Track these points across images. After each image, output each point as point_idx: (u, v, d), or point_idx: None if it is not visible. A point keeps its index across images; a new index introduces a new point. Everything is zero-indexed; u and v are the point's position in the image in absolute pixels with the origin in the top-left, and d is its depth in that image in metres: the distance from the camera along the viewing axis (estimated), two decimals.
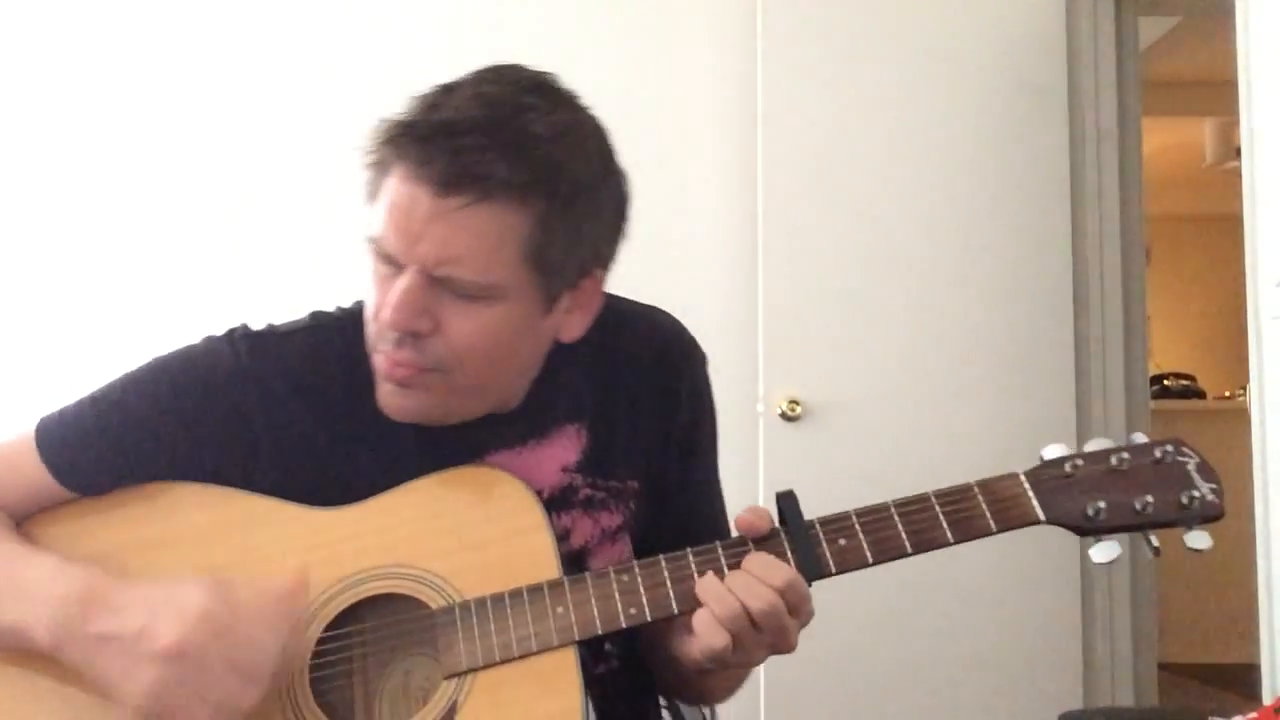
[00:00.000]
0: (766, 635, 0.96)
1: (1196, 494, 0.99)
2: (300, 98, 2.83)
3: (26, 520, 1.06)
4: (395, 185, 0.96)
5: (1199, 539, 0.98)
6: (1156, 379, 5.02)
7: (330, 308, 1.14)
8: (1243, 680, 2.88)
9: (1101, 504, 0.99)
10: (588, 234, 1.00)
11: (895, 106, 2.79)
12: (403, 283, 0.96)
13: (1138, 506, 0.99)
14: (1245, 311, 2.06)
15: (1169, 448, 1.01)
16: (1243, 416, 2.13)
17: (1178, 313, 6.35)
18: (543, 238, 0.97)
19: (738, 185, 2.85)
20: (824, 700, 2.65)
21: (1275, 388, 1.98)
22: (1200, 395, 5.41)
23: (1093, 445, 1.03)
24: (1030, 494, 1.01)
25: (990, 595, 2.68)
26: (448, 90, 0.99)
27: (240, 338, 1.09)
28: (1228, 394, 5.45)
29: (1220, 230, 3.70)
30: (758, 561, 0.98)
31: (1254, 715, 1.21)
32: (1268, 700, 1.79)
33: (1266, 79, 2.02)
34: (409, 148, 0.95)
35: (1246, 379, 2.11)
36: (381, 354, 1.01)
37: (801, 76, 2.77)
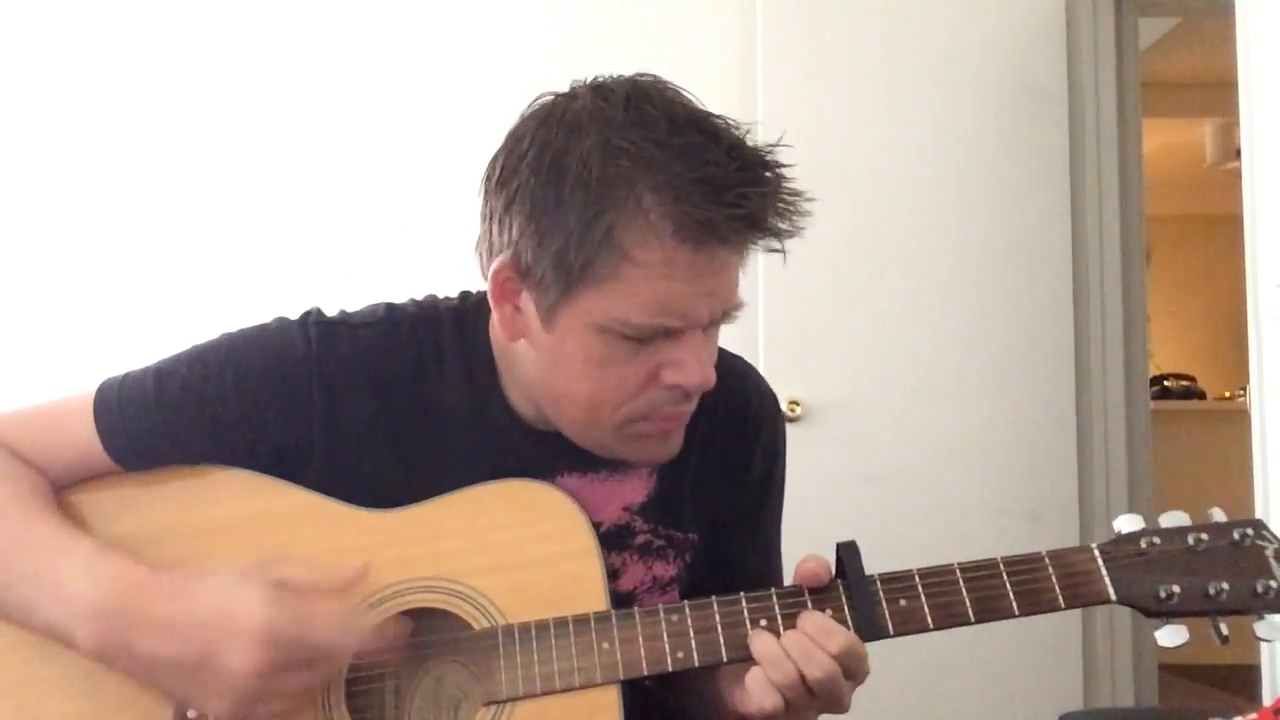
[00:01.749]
0: (820, 700, 0.94)
1: (1273, 584, 0.96)
2: (307, 94, 2.83)
3: (69, 488, 1.04)
4: (686, 259, 0.92)
5: (1269, 629, 0.96)
6: (1156, 379, 5.02)
7: (403, 300, 1.11)
8: (1243, 681, 2.88)
9: (1175, 588, 0.96)
10: None
11: (895, 107, 2.79)
12: (711, 338, 0.99)
13: (1211, 592, 0.96)
14: (1245, 312, 2.06)
15: (1249, 530, 0.98)
16: (1243, 417, 2.13)
17: (1178, 313, 6.35)
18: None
19: None
20: None
21: (1275, 388, 1.97)
22: (1200, 396, 5.41)
23: (1169, 520, 1.00)
24: (1103, 571, 0.97)
25: None
26: (710, 136, 0.95)
27: (314, 324, 1.06)
28: (1228, 394, 5.45)
29: (1220, 231, 3.70)
30: (814, 623, 0.95)
31: (1254, 716, 1.21)
32: (1267, 701, 1.79)
33: (1266, 80, 2.02)
34: (749, 232, 0.95)
35: (1246, 379, 2.11)
36: (660, 417, 1.00)
37: (801, 76, 2.76)
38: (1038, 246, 2.82)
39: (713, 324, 0.98)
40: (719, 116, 0.96)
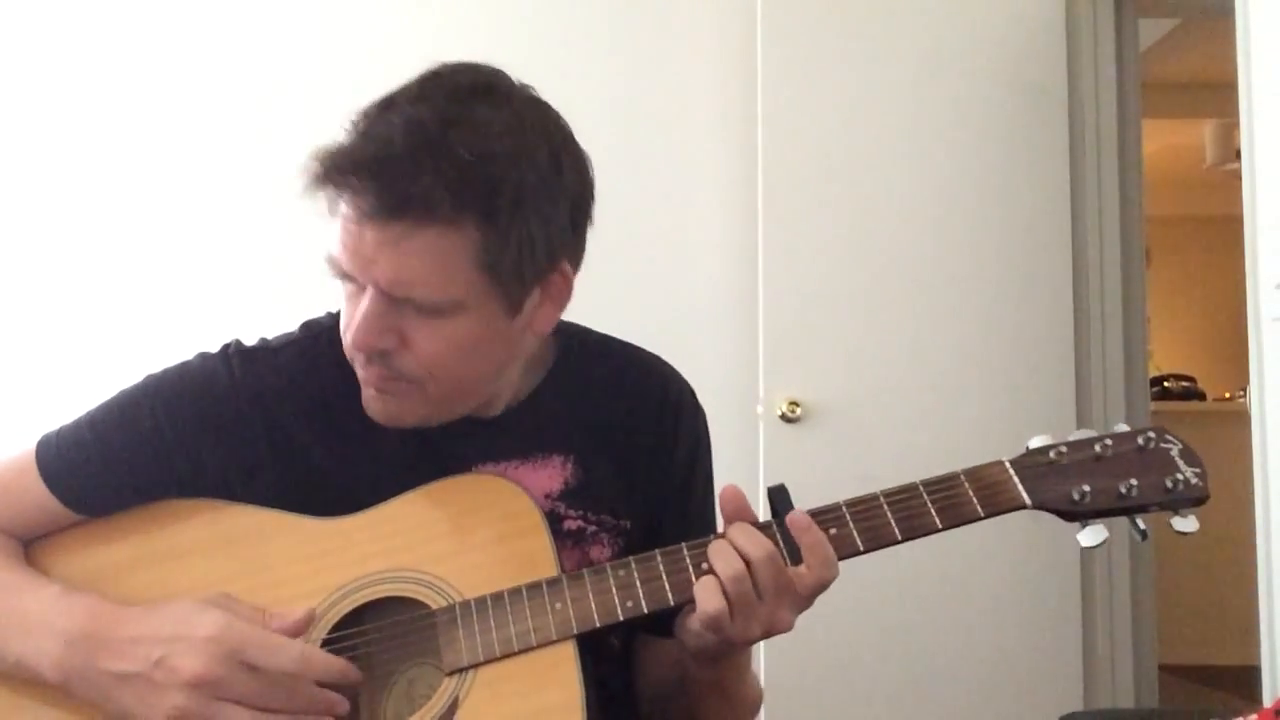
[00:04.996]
0: (766, 601, 0.97)
1: (1180, 477, 1.01)
2: (298, 97, 2.83)
3: (35, 541, 1.07)
4: (341, 212, 0.96)
5: (1185, 523, 1.01)
6: (1156, 380, 5.02)
7: (320, 314, 1.15)
8: (1243, 681, 2.88)
9: (1086, 488, 1.01)
10: (542, 233, 0.99)
11: (895, 107, 2.79)
12: (364, 305, 0.98)
13: (1123, 490, 1.01)
14: (1245, 312, 2.06)
15: (1151, 434, 1.04)
16: (1243, 418, 2.13)
17: (1178, 313, 6.35)
18: (493, 249, 0.97)
19: (738, 185, 2.85)
20: (824, 701, 2.65)
21: (1275, 389, 1.97)
22: (1200, 396, 5.41)
23: (1076, 435, 1.06)
24: (1015, 479, 1.04)
25: (991, 596, 2.68)
26: (384, 107, 0.98)
27: (234, 354, 1.11)
28: (1228, 395, 5.45)
29: (1220, 231, 3.70)
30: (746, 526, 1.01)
31: (1254, 717, 1.21)
32: (1268, 702, 1.79)
33: (1267, 81, 2.01)
34: (341, 180, 0.95)
35: (1246, 380, 2.11)
36: (357, 366, 1.04)
37: (801, 76, 2.77)
38: (1038, 246, 2.82)
39: (380, 292, 0.97)
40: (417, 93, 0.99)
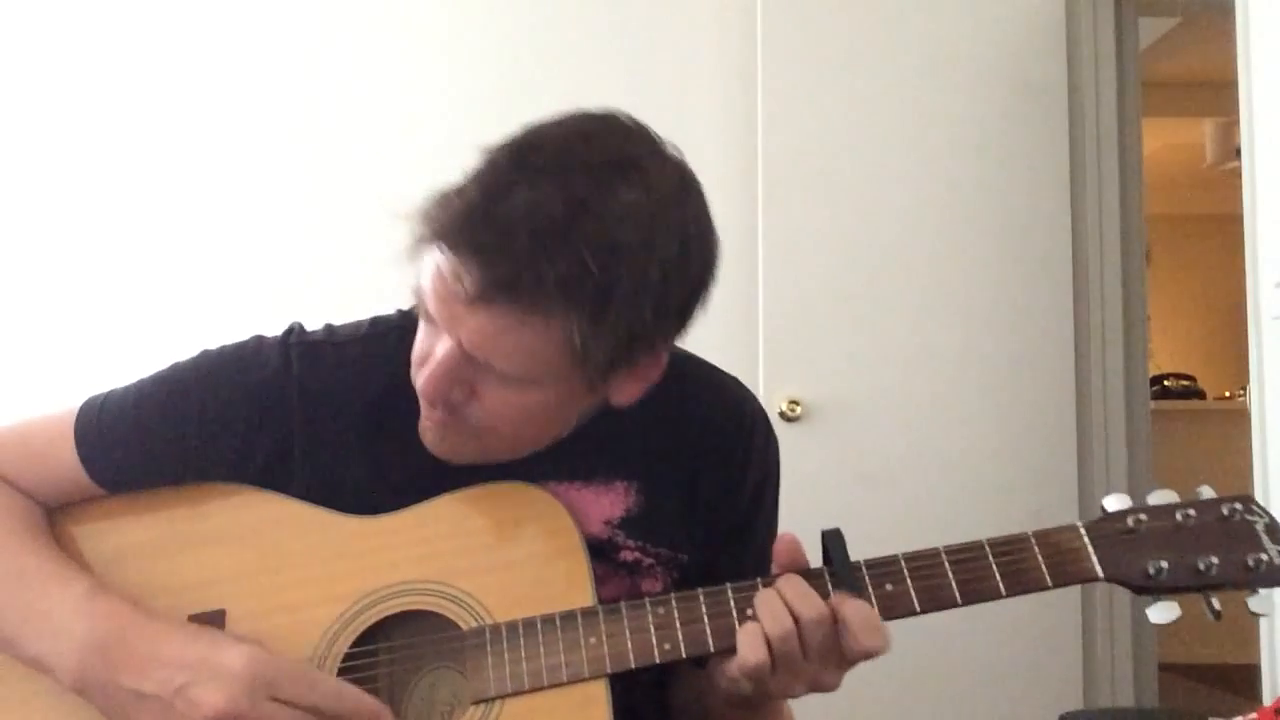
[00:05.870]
0: (813, 660, 0.94)
1: (1264, 557, 0.94)
2: (305, 97, 2.83)
3: (58, 510, 1.05)
4: (438, 263, 0.90)
5: (1262, 603, 0.95)
6: (1156, 379, 5.02)
7: (390, 311, 1.11)
8: (1243, 681, 2.88)
9: (1163, 563, 0.95)
10: (646, 329, 0.93)
11: (895, 106, 2.79)
12: (440, 355, 0.94)
13: (1201, 567, 0.95)
14: (1245, 311, 2.06)
15: (1238, 505, 0.97)
16: (1243, 417, 2.13)
17: (1178, 313, 6.34)
18: (590, 342, 0.91)
19: (738, 185, 2.85)
20: (823, 700, 2.64)
21: (1275, 388, 1.97)
22: (1200, 395, 5.41)
23: (1157, 498, 0.99)
24: (1090, 549, 0.97)
25: None
26: (512, 171, 0.90)
27: (295, 345, 1.07)
28: (1228, 394, 5.45)
29: (1220, 230, 3.70)
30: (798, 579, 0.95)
31: (1254, 716, 1.21)
32: (1268, 701, 1.79)
33: (1267, 79, 2.02)
34: (449, 242, 0.89)
35: (1246, 379, 2.11)
36: (422, 403, 1.00)
37: (801, 76, 2.76)
38: (1038, 246, 2.82)
39: (460, 346, 0.93)
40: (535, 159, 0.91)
